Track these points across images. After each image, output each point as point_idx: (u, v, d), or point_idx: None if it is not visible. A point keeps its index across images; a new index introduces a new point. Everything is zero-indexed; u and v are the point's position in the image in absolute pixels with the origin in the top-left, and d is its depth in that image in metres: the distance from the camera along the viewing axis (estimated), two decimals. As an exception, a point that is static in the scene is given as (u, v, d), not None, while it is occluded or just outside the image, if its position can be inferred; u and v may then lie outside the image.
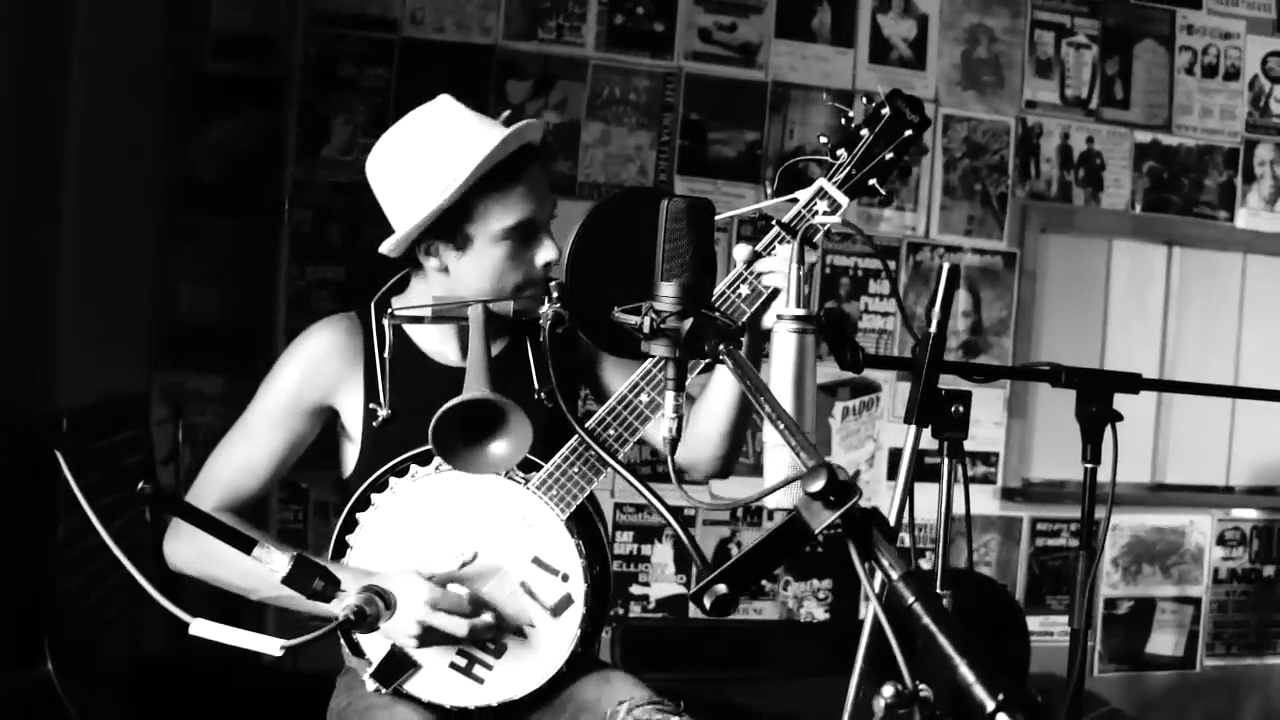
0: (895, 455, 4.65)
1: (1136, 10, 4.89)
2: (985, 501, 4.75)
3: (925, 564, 4.19)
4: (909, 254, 4.65)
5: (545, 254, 1.88)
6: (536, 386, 1.97)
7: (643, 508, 4.34)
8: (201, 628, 1.18)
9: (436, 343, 2.01)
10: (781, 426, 1.08)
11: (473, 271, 1.90)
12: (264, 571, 1.28)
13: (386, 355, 1.96)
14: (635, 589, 4.40)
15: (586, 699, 1.93)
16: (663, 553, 4.44)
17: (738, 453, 2.04)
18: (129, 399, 3.66)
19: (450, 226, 1.88)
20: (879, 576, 0.94)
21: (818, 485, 0.92)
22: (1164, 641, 5.00)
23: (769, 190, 4.41)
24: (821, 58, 4.58)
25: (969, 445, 4.65)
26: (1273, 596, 5.13)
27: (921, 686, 0.88)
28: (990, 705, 0.80)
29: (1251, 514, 5.11)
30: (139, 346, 3.97)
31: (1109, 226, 4.94)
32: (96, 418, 3.12)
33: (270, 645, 1.15)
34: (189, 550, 1.87)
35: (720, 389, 1.96)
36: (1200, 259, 5.10)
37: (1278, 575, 5.14)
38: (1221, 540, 5.06)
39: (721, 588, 0.99)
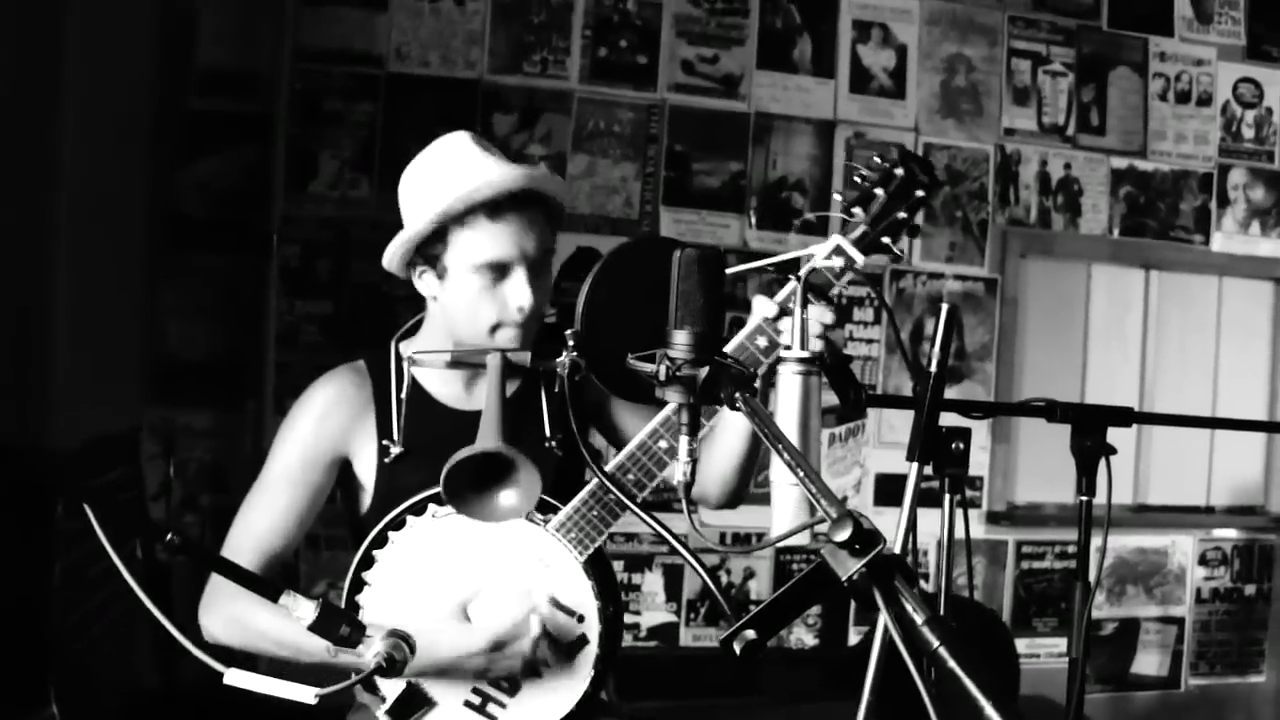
0: (881, 480, 4.70)
1: (1110, 38, 4.98)
2: (970, 525, 4.78)
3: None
4: (892, 281, 4.71)
5: (518, 297, 1.90)
6: (548, 434, 2.00)
7: (632, 536, 4.37)
8: (236, 677, 1.20)
9: (442, 385, 2.04)
10: (802, 474, 1.11)
11: (453, 302, 1.94)
12: (300, 638, 1.30)
13: (403, 395, 1.98)
14: (627, 618, 4.42)
15: None
16: (653, 581, 4.46)
17: (747, 486, 2.08)
18: (120, 435, 3.66)
19: (433, 252, 1.92)
20: (887, 617, 0.98)
21: (844, 535, 0.96)
22: (1149, 661, 5.06)
23: (753, 220, 4.48)
24: (803, 88, 4.64)
25: (955, 469, 4.70)
26: (1254, 615, 5.19)
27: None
28: (1016, 747, 0.84)
29: (1232, 534, 5.18)
30: (129, 383, 3.97)
31: (1088, 251, 5.02)
32: (90, 456, 3.13)
33: (304, 694, 1.17)
34: (223, 621, 1.88)
35: (730, 427, 2.00)
36: (1177, 282, 5.19)
37: (1259, 594, 5.20)
38: (1203, 560, 5.13)
39: (750, 633, 1.03)
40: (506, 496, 1.64)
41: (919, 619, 0.92)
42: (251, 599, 1.76)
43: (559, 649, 1.90)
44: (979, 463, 4.80)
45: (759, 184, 4.59)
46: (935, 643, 0.90)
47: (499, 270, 1.89)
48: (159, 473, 3.94)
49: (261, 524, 1.93)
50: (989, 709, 0.85)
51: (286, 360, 4.11)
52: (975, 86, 4.82)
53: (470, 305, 1.91)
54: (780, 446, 1.16)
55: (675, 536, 1.29)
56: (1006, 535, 4.86)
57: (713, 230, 4.53)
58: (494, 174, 1.88)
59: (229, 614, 1.86)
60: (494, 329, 1.92)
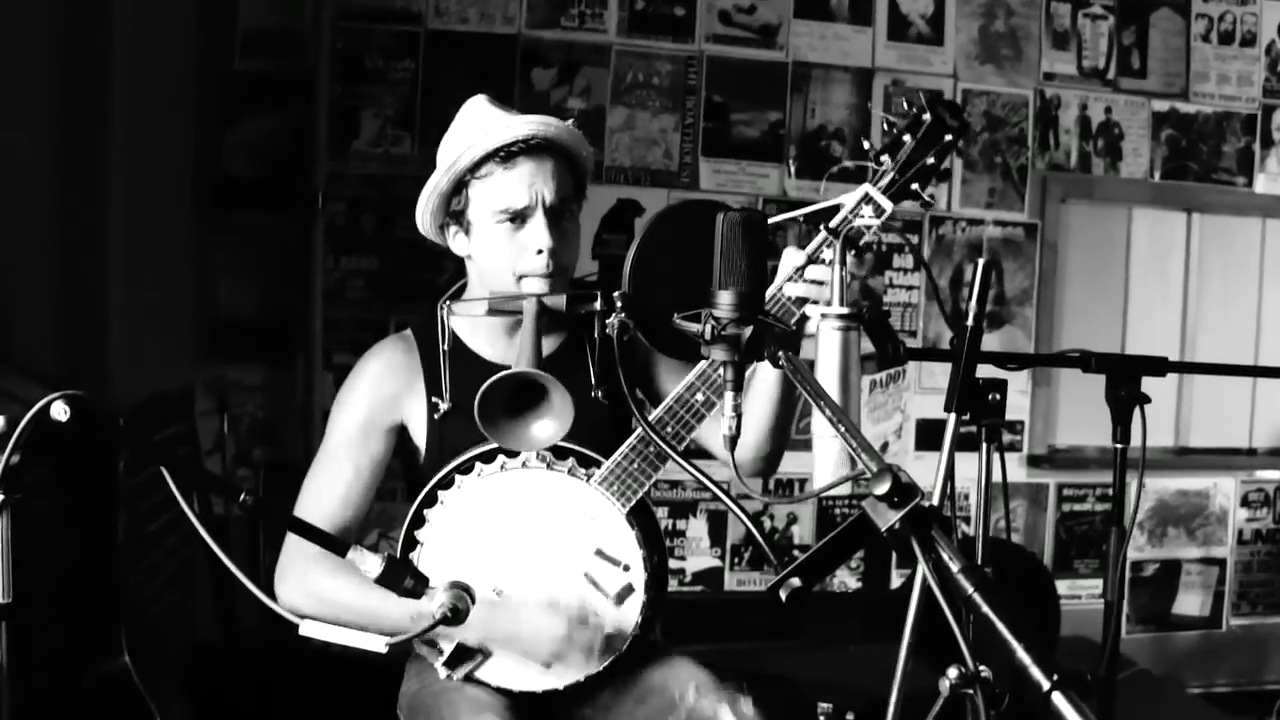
0: (922, 426, 4.74)
1: (1152, -21, 4.93)
2: (1012, 469, 4.70)
3: (959, 532, 4.26)
4: (932, 228, 4.72)
5: (537, 240, 1.96)
6: (594, 384, 2.06)
7: (677, 484, 4.43)
8: (310, 628, 1.27)
9: (487, 344, 2.10)
10: (843, 429, 1.16)
11: (481, 254, 2.02)
12: (374, 606, 1.37)
13: (446, 348, 2.04)
14: (672, 563, 4.50)
15: (653, 683, 2.03)
16: (697, 527, 4.53)
17: (782, 452, 2.14)
18: (175, 393, 3.76)
19: (458, 209, 2.01)
20: (927, 563, 1.03)
21: (884, 488, 1.01)
22: (1190, 602, 5.09)
23: (792, 170, 4.50)
24: (840, 36, 4.64)
25: (994, 414, 4.71)
26: (1297, 556, 5.21)
27: (982, 668, 0.97)
28: (1046, 685, 0.89)
29: (1275, 475, 5.18)
30: (182, 341, 4.07)
31: (1129, 195, 5.00)
32: (146, 413, 3.22)
33: (376, 643, 1.24)
34: (299, 592, 1.94)
35: (763, 392, 2.05)
36: (1219, 225, 5.16)
37: (1301, 535, 5.22)
38: (1245, 502, 5.14)
39: (796, 581, 1.08)
40: (540, 426, 1.69)
41: (955, 567, 0.97)
42: (324, 569, 1.85)
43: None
44: (1020, 407, 4.83)
45: (798, 133, 4.60)
46: (970, 589, 0.96)
47: (517, 217, 1.97)
48: (212, 429, 4.04)
49: (327, 497, 2.00)
50: (1020, 652, 0.90)
51: (334, 316, 4.19)
52: (1014, 31, 4.79)
53: (494, 254, 1.99)
54: (822, 403, 1.21)
55: (718, 485, 1.35)
56: (1047, 478, 4.89)
57: (752, 180, 4.55)
58: (502, 124, 1.95)
59: (305, 586, 1.93)
60: (520, 278, 1.99)
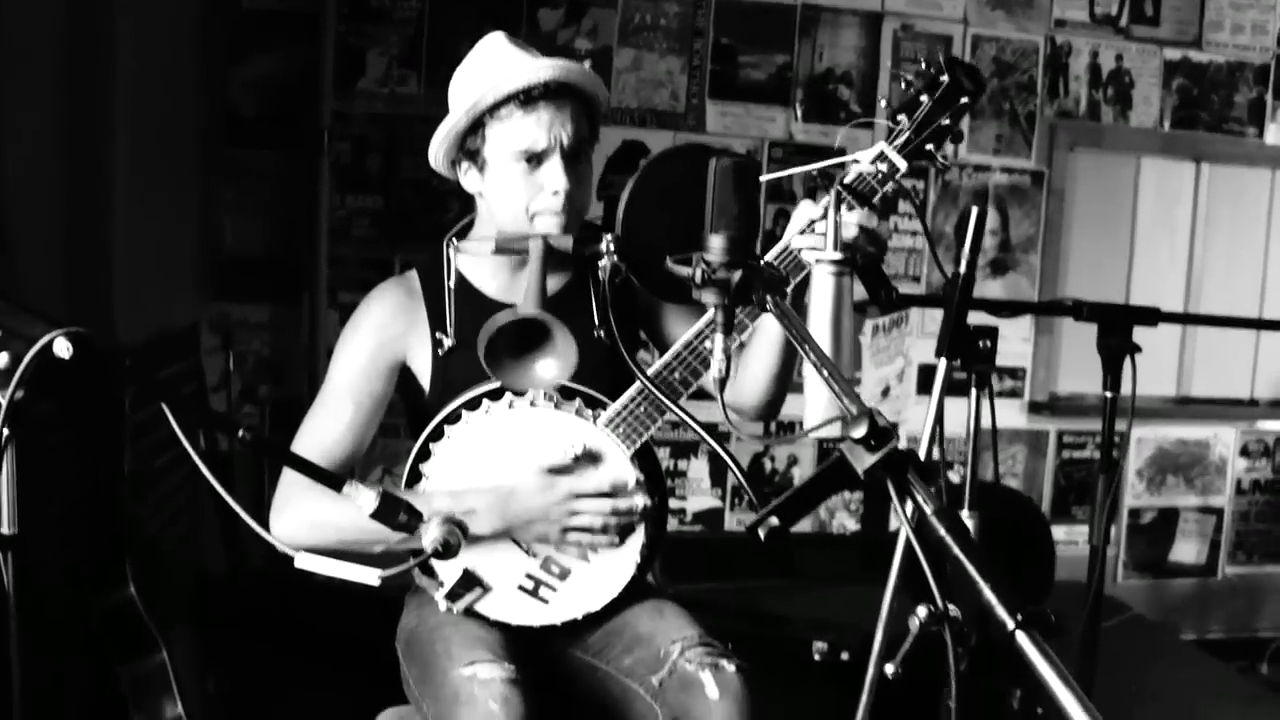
0: (925, 371, 4.76)
1: (1167, -76, 4.88)
2: (1013, 415, 4.87)
3: (955, 475, 4.31)
4: (937, 174, 4.71)
5: (553, 181, 1.98)
6: (597, 324, 2.09)
7: (678, 424, 4.46)
8: (306, 561, 1.30)
9: (490, 280, 2.12)
10: (826, 374, 1.19)
11: (494, 193, 2.04)
12: (370, 523, 1.40)
13: (452, 284, 2.07)
14: (672, 502, 4.55)
15: (641, 631, 2.06)
16: (698, 467, 4.57)
17: (783, 398, 2.16)
18: (181, 330, 3.79)
19: (473, 147, 2.03)
20: (911, 508, 1.06)
21: (861, 431, 1.04)
22: (1186, 550, 5.14)
23: (799, 113, 4.49)
24: (851, -22, 4.61)
25: (998, 360, 4.75)
26: (1294, 506, 5.25)
27: (951, 607, 1.00)
28: (1010, 624, 0.92)
29: (1276, 426, 5.21)
30: (187, 279, 4.09)
31: (1137, 144, 4.98)
32: (153, 350, 3.25)
33: (369, 575, 1.27)
34: (296, 522, 1.96)
35: (766, 337, 2.07)
36: (1229, 176, 5.14)
37: (1299, 486, 5.25)
38: (1245, 452, 5.17)
39: (774, 520, 1.11)
40: (544, 366, 1.71)
41: (928, 509, 1.00)
42: (319, 497, 1.87)
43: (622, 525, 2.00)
44: (1022, 354, 4.85)
45: (805, 77, 4.59)
46: (941, 530, 0.98)
47: (534, 158, 1.98)
48: (218, 366, 4.08)
49: (326, 435, 2.03)
50: (986, 592, 0.93)
51: (339, 254, 4.21)
52: (1026, -24, 4.76)
53: (509, 193, 2.00)
54: (807, 346, 1.23)
55: (711, 433, 1.38)
56: (1048, 425, 4.92)
57: (759, 123, 4.54)
58: (524, 66, 1.96)
59: (301, 515, 1.95)
60: (534, 216, 2.01)
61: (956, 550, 0.97)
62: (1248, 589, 5.23)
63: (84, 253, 3.02)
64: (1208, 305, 5.12)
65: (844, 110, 4.58)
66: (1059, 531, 4.72)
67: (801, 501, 1.11)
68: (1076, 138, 4.88)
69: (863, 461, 1.04)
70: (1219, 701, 3.71)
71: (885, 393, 4.74)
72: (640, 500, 1.99)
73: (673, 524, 4.54)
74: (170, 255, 3.87)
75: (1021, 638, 0.91)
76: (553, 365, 1.72)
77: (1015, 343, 4.82)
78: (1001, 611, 0.92)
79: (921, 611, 1.06)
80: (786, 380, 2.14)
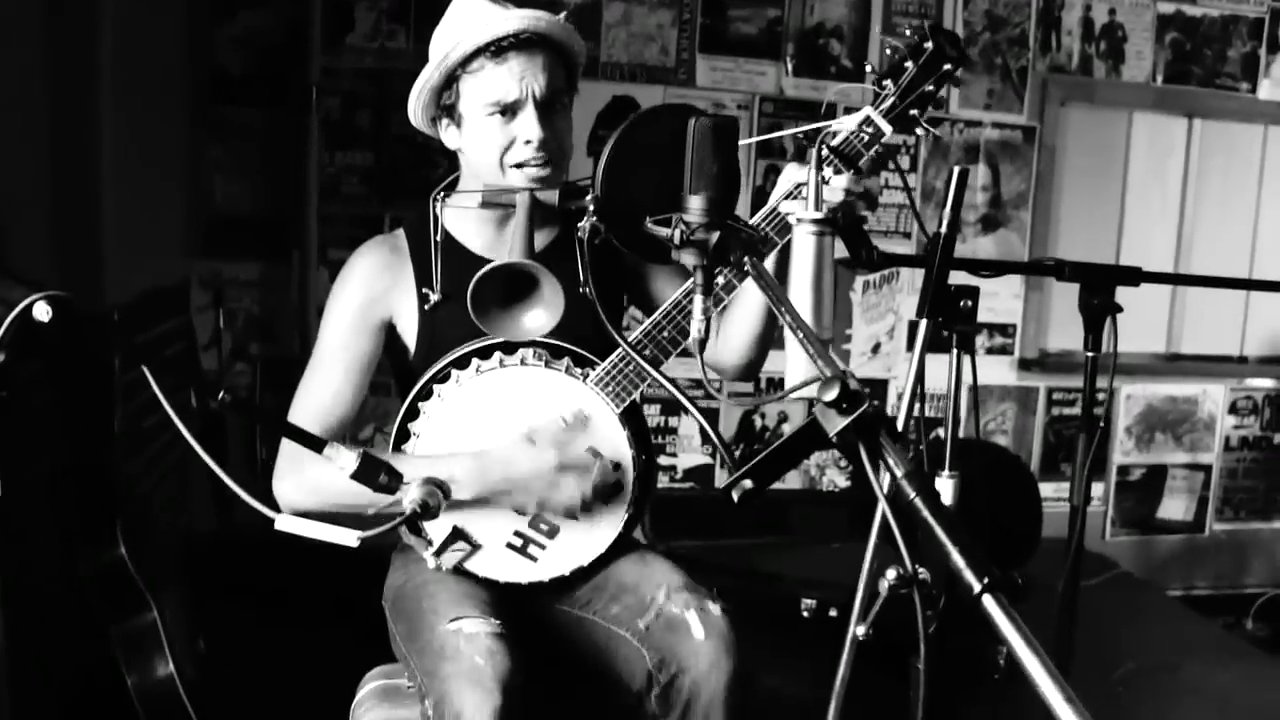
0: (914, 327, 4.75)
1: (1162, -124, 4.84)
2: (1002, 372, 4.88)
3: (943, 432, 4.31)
4: (923, 137, 4.68)
5: (527, 131, 1.98)
6: (582, 278, 2.08)
7: (670, 381, 4.46)
8: (285, 523, 1.31)
9: (476, 236, 2.12)
10: (800, 336, 1.19)
11: (472, 146, 2.03)
12: (363, 488, 1.41)
13: (438, 239, 2.07)
14: (663, 460, 4.56)
15: (626, 581, 2.08)
16: (689, 425, 4.59)
17: (763, 358, 2.18)
18: (171, 289, 3.79)
19: (449, 103, 2.02)
20: (885, 473, 1.06)
21: (832, 394, 1.04)
22: (1174, 507, 5.17)
23: (789, 68, 4.46)
24: (842, -68, 4.57)
25: (988, 317, 4.76)
26: (1282, 463, 5.28)
27: (920, 569, 1.01)
28: (977, 587, 0.93)
29: (1265, 383, 5.22)
30: (177, 237, 4.09)
31: (1130, 99, 4.97)
32: (143, 309, 3.25)
33: (348, 537, 1.28)
34: (296, 486, 1.97)
35: (748, 299, 2.08)
36: (1221, 131, 5.13)
37: (1288, 443, 5.28)
38: (1234, 409, 5.19)
39: (748, 483, 1.12)
40: (532, 316, 1.71)
41: (899, 472, 1.01)
42: (317, 461, 1.88)
43: (602, 493, 2.01)
44: (1012, 311, 4.85)
45: (796, 30, 4.56)
46: (911, 494, 0.99)
47: (508, 110, 1.98)
48: (209, 323, 4.08)
49: (320, 396, 2.03)
50: (955, 555, 0.94)
51: (329, 212, 4.20)
52: (1019, -71, 4.72)
53: (486, 146, 2.00)
54: (783, 309, 1.23)
55: (689, 399, 1.38)
56: (1038, 382, 4.94)
57: (749, 78, 4.52)
58: (494, 18, 1.95)
59: (301, 482, 1.96)
60: (511, 168, 2.00)
61: (926, 513, 0.97)
62: (1235, 545, 5.26)
63: (72, 213, 3.02)
64: (1198, 261, 5.12)
65: (835, 65, 4.56)
66: (1048, 488, 4.75)
67: (775, 463, 1.12)
68: (1068, 93, 4.86)
69: (834, 424, 1.05)
70: (1203, 657, 3.75)
71: (876, 349, 4.74)
72: (617, 471, 2.00)
73: (664, 481, 4.57)
74: (159, 214, 3.87)
75: (988, 600, 0.92)
76: (540, 315, 1.72)
77: (1006, 299, 4.82)
78: (969, 575, 0.93)
79: (891, 574, 1.07)
80: (768, 342, 2.14)
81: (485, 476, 1.93)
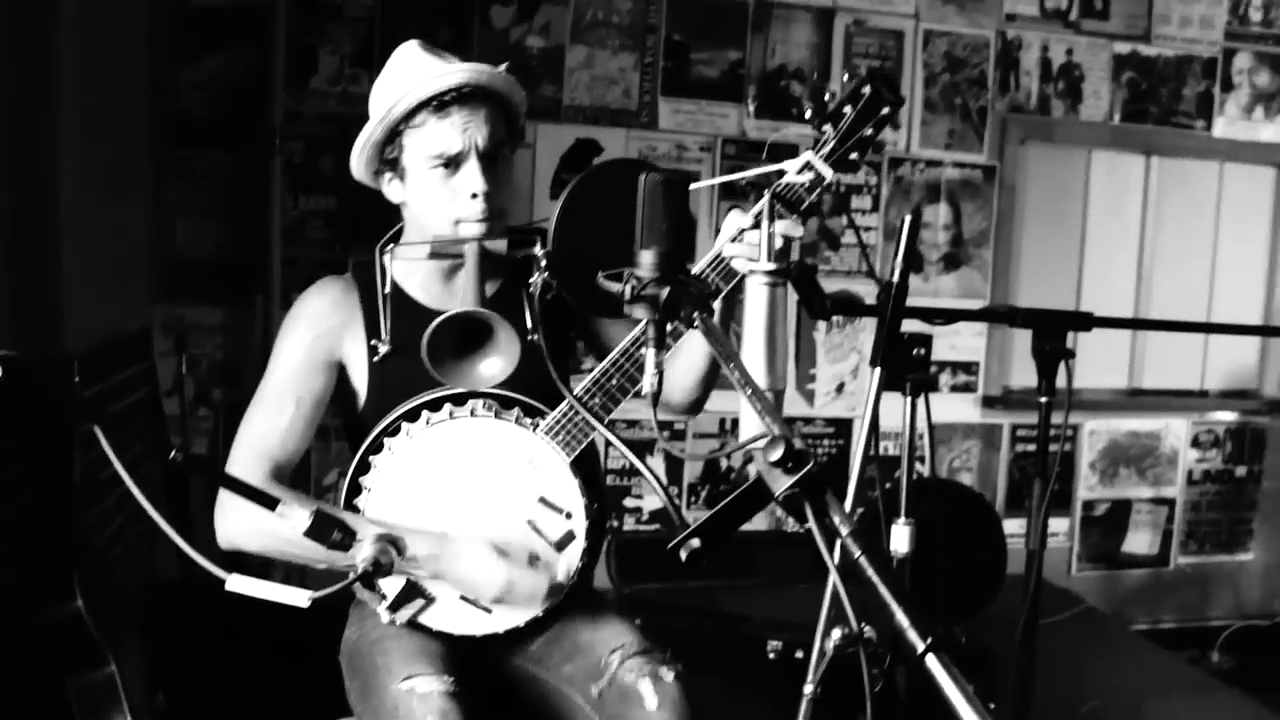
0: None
1: (1116, -81, 4.93)
2: (966, 409, 4.91)
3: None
4: (890, 168, 4.74)
5: (470, 184, 1.99)
6: (530, 328, 2.09)
7: (634, 423, 4.47)
8: (236, 583, 1.30)
9: (422, 289, 2.12)
10: (749, 394, 1.20)
11: (416, 200, 2.04)
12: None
13: (387, 291, 2.07)
14: (629, 501, 4.56)
15: (580, 641, 2.07)
16: (655, 467, 4.58)
17: (708, 396, 2.21)
18: (132, 334, 3.76)
19: (392, 156, 2.03)
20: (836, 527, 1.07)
21: (777, 455, 1.05)
22: (1139, 541, 5.20)
23: (751, 110, 4.50)
24: (802, -25, 4.62)
25: (951, 355, 4.78)
26: (1244, 496, 5.32)
27: (866, 627, 1.01)
28: (921, 647, 0.93)
29: (1226, 416, 5.27)
30: (139, 282, 4.07)
31: (1088, 137, 5.03)
32: (103, 356, 3.22)
33: (298, 597, 1.28)
34: (242, 528, 1.94)
35: (697, 343, 2.09)
36: (1178, 168, 5.20)
37: (1249, 475, 5.32)
38: (1196, 443, 5.23)
39: (695, 542, 1.12)
40: (488, 364, 1.72)
41: (844, 531, 1.01)
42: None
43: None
44: (975, 348, 4.89)
45: (758, 73, 4.60)
46: (856, 553, 1.00)
47: (451, 162, 1.99)
48: (172, 369, 4.06)
49: (266, 435, 2.01)
50: (899, 615, 0.94)
51: (293, 255, 4.19)
52: (976, -29, 4.79)
53: (430, 199, 2.01)
54: (731, 365, 1.24)
55: (638, 456, 1.38)
56: (1001, 419, 4.96)
57: (711, 120, 4.55)
58: (436, 72, 1.97)
59: (246, 521, 1.92)
60: (456, 221, 2.01)
61: (870, 573, 0.98)
62: (1199, 578, 5.30)
63: (32, 257, 3.00)
64: (1159, 296, 5.18)
65: (796, 106, 4.60)
66: (1014, 525, 4.76)
67: (722, 523, 1.12)
68: (1028, 131, 4.92)
69: (779, 484, 1.05)
70: (1168, 693, 3.76)
71: (840, 389, 4.76)
72: (569, 521, 2.01)
73: (629, 523, 4.56)
74: (121, 258, 3.85)
75: (931, 661, 0.93)
76: (497, 362, 1.73)
77: (968, 337, 4.86)
78: (912, 635, 0.94)
79: (836, 633, 1.07)
80: (712, 382, 2.18)
81: (438, 564, 1.93)
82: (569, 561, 2.04)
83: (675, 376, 2.15)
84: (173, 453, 1.32)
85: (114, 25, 3.67)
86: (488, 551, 1.96)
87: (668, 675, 1.94)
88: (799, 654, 3.43)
